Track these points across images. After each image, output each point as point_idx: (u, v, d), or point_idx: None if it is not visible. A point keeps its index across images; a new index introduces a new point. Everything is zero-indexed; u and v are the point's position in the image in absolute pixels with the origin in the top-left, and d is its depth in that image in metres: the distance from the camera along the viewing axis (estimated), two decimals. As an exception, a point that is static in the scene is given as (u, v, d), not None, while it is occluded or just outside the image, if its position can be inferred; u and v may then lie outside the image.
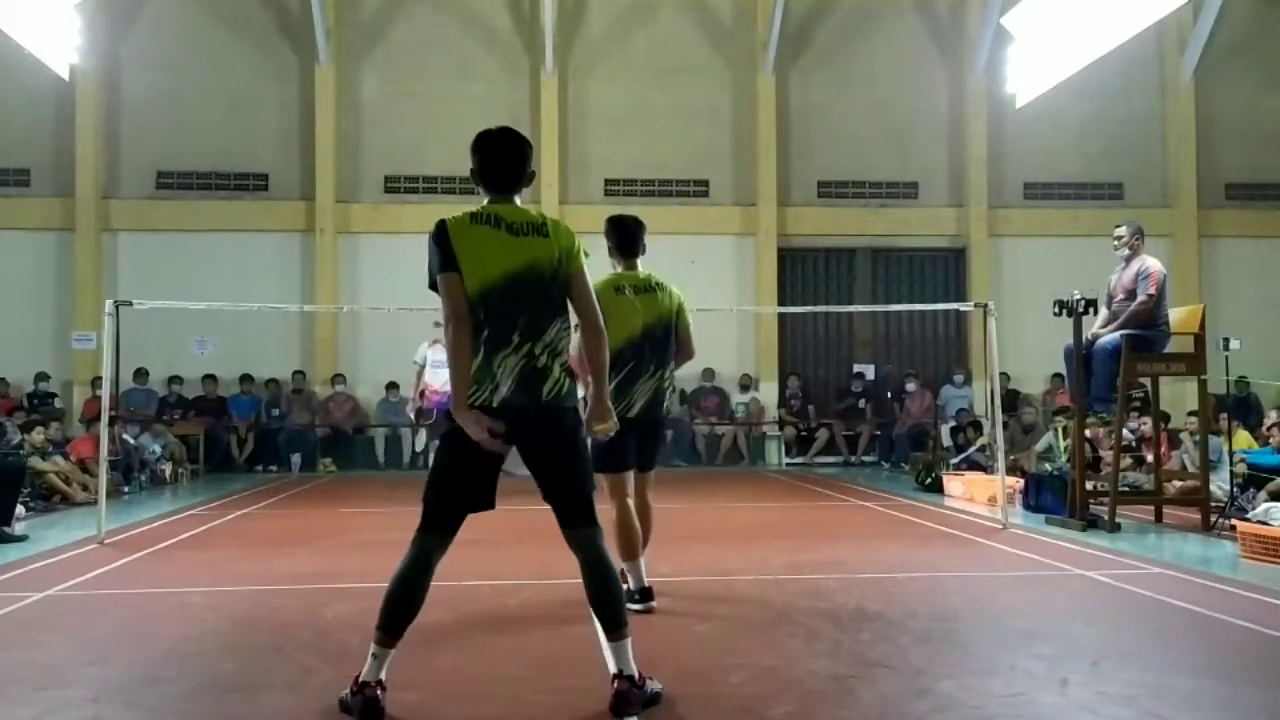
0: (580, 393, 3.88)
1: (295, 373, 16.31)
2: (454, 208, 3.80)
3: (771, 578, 6.42)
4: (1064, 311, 8.67)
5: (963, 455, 13.27)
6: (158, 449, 13.82)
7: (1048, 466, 10.84)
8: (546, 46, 16.65)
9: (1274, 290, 17.27)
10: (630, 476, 5.48)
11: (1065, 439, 10.73)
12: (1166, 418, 11.16)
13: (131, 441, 13.10)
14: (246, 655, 4.52)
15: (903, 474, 14.30)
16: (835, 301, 17.13)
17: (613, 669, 3.65)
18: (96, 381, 14.48)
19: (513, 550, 7.28)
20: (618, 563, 4.64)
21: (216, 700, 3.91)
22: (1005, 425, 12.01)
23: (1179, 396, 14.08)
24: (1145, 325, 8.51)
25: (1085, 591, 6.07)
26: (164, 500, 11.72)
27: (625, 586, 5.19)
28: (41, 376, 15.88)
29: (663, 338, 5.48)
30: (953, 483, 11.69)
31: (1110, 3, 12.60)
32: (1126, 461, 10.38)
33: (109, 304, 8.53)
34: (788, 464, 16.55)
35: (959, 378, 16.73)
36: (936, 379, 17.07)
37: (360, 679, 3.60)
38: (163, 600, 5.92)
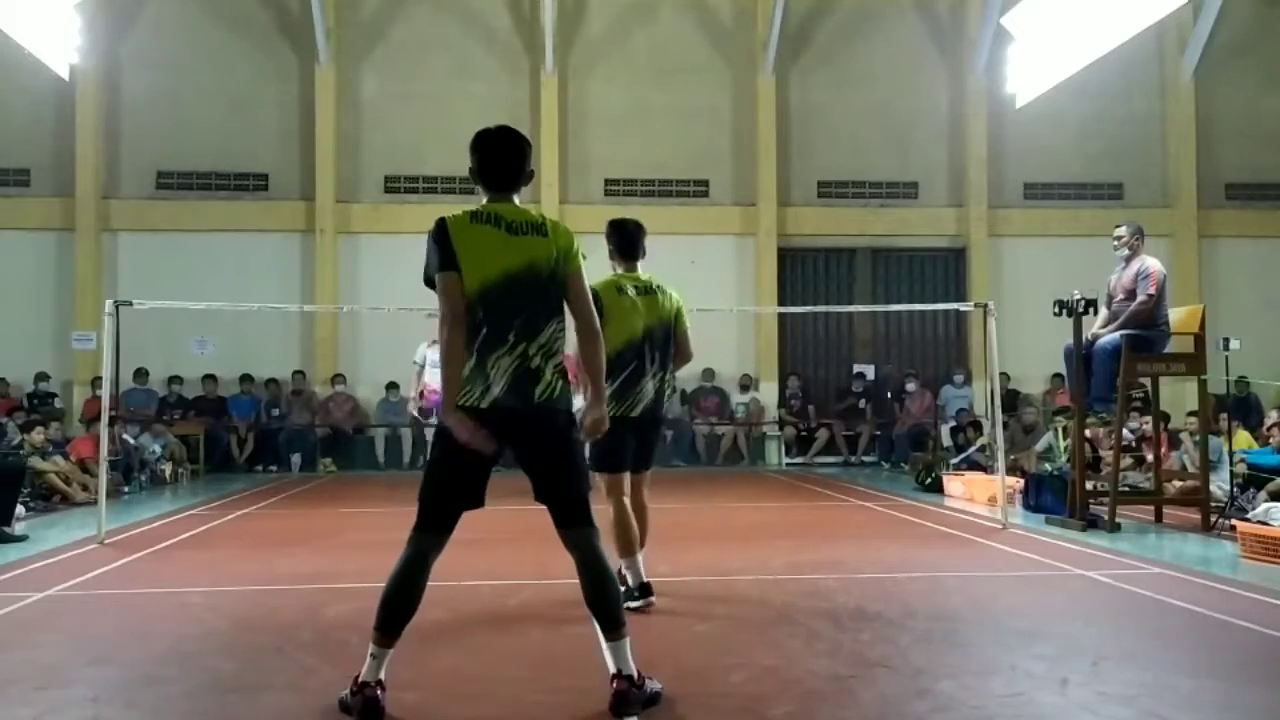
0: (578, 404, 3.88)
1: (295, 373, 16.31)
2: (454, 207, 3.80)
3: (771, 578, 6.42)
4: (1064, 311, 8.67)
5: (963, 455, 13.27)
6: (158, 449, 13.82)
7: (1048, 466, 10.84)
8: (546, 46, 16.65)
9: (1274, 290, 17.27)
10: (627, 476, 5.50)
11: (1065, 439, 10.73)
12: (1166, 418, 11.15)
13: (131, 441, 13.10)
14: (246, 655, 4.52)
15: (903, 474, 14.31)
16: (835, 301, 17.13)
17: (612, 669, 3.65)
18: (96, 381, 14.47)
19: (512, 550, 7.28)
20: (615, 561, 4.64)
21: (216, 700, 3.91)
22: (1005, 425, 12.01)
23: (1179, 396, 14.07)
24: (1145, 325, 8.51)
25: (1085, 591, 6.07)
26: (164, 500, 11.72)
27: (624, 585, 5.21)
28: (41, 376, 15.89)
29: (664, 339, 5.51)
30: (953, 483, 11.69)
31: (1110, 3, 12.60)
32: (1127, 461, 10.38)
33: (109, 304, 8.53)
34: (788, 464, 16.55)
35: (959, 378, 16.74)
36: (936, 379, 17.07)
37: (360, 679, 3.60)
38: (163, 600, 5.92)
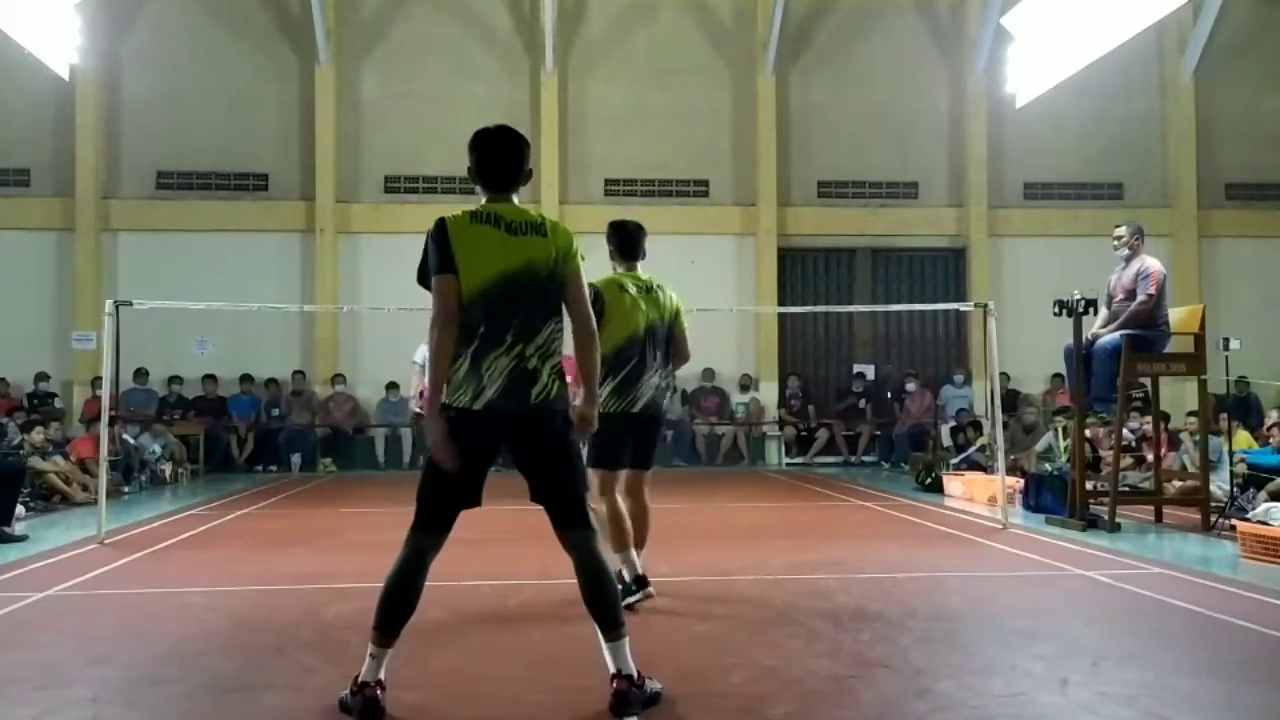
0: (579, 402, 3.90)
1: (295, 373, 16.31)
2: (454, 207, 3.80)
3: (771, 578, 6.42)
4: (1064, 311, 8.67)
5: (963, 455, 13.27)
6: (158, 449, 13.82)
7: (1048, 466, 10.83)
8: (546, 46, 16.65)
9: (1274, 290, 17.27)
10: (621, 475, 5.55)
11: (1065, 439, 10.73)
12: (1166, 418, 11.15)
13: (131, 441, 13.09)
14: (246, 655, 4.52)
15: (903, 474, 14.30)
16: (835, 301, 17.13)
17: (611, 669, 3.65)
18: (96, 381, 14.47)
19: (512, 550, 7.28)
20: (613, 560, 4.65)
21: (216, 700, 3.91)
22: (1005, 425, 12.01)
23: (1179, 396, 14.07)
24: (1145, 325, 8.51)
25: (1085, 591, 6.07)
26: (164, 500, 11.72)
27: (621, 582, 5.21)
28: (41, 376, 15.89)
29: (664, 337, 5.58)
30: (953, 483, 11.69)
31: (1110, 3, 12.60)
32: (1127, 461, 10.38)
33: (109, 304, 8.53)
34: (788, 464, 16.55)
35: (959, 378, 16.74)
36: (936, 379, 17.07)
37: (359, 679, 3.60)
38: (163, 600, 5.92)
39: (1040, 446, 11.86)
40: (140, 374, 15.59)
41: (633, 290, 5.49)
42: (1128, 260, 8.72)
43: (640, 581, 5.45)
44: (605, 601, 3.68)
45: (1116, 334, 8.53)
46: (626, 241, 5.62)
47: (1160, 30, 16.23)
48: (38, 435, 11.58)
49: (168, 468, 13.75)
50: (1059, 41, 13.78)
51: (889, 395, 16.79)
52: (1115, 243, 8.83)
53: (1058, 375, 14.97)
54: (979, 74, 17.33)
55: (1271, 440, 10.07)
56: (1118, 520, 8.45)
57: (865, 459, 16.57)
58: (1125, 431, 9.79)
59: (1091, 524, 8.39)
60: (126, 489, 12.21)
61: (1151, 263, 8.62)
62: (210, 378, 16.12)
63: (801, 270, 17.75)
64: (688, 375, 15.62)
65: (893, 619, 5.16)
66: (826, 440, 16.72)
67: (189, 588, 6.13)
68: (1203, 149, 17.59)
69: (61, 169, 16.48)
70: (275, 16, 17.09)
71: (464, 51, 17.17)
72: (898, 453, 15.89)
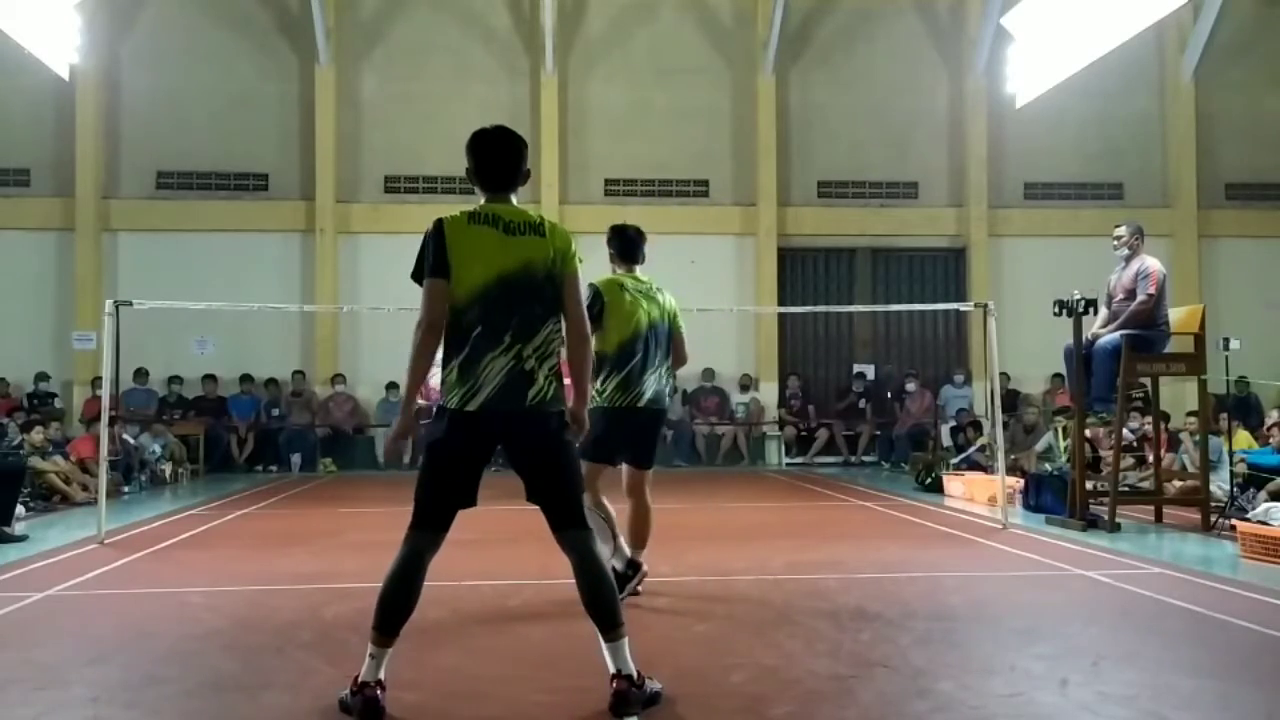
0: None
1: (295, 373, 16.31)
2: (454, 207, 3.81)
3: (771, 578, 6.42)
4: (1064, 311, 8.67)
5: (963, 455, 13.27)
6: (158, 449, 13.81)
7: (1048, 466, 10.83)
8: (546, 46, 16.65)
9: (1274, 290, 17.27)
10: (623, 474, 5.65)
11: (1065, 439, 10.73)
12: (1166, 418, 11.15)
13: (131, 441, 13.09)
14: (246, 655, 4.52)
15: (903, 474, 14.30)
16: (835, 301, 17.13)
17: (611, 669, 3.65)
18: (96, 381, 14.47)
19: (512, 550, 7.28)
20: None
21: (217, 700, 3.91)
22: (1005, 425, 12.01)
23: (1179, 396, 14.07)
24: (1145, 325, 8.51)
25: (1085, 591, 6.07)
26: (164, 500, 11.72)
27: (615, 574, 5.24)
28: (41, 376, 15.89)
29: (665, 336, 5.67)
30: (953, 483, 11.69)
31: (1110, 3, 12.59)
32: (1128, 462, 10.38)
33: (109, 304, 8.53)
34: (788, 464, 16.55)
35: (959, 378, 16.74)
36: (936, 379, 17.07)
37: (359, 679, 3.61)
38: (163, 600, 5.92)
39: (1040, 446, 11.86)
40: (140, 374, 15.59)
41: (632, 290, 5.58)
42: (1128, 260, 8.73)
43: (631, 565, 5.57)
44: (604, 602, 3.68)
45: (1116, 334, 8.53)
46: (627, 245, 5.71)
47: (1160, 30, 16.23)
48: (38, 435, 11.58)
49: (168, 468, 13.74)
50: (1059, 41, 13.77)
51: (889, 395, 16.79)
52: (1115, 243, 8.83)
53: (1058, 375, 14.97)
54: (979, 74, 17.33)
55: (1271, 440, 10.07)
56: (1118, 520, 8.45)
57: (865, 459, 16.57)
58: (1125, 431, 9.79)
59: (1091, 524, 8.39)
60: (126, 489, 12.21)
61: (1151, 263, 8.62)
62: (210, 378, 16.12)
63: (801, 270, 17.74)
64: (688, 375, 15.63)
65: (893, 619, 5.16)
66: (826, 440, 16.72)
67: (189, 588, 6.13)
68: (1203, 149, 17.59)
69: (61, 169, 16.48)
70: (275, 16, 17.09)
71: (464, 51, 17.17)
72: (898, 453, 15.89)
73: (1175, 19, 15.96)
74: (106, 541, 7.94)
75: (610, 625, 3.66)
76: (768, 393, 17.03)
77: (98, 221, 16.43)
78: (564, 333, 3.79)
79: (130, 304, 8.83)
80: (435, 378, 11.98)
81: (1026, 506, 10.00)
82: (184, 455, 14.49)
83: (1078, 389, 8.80)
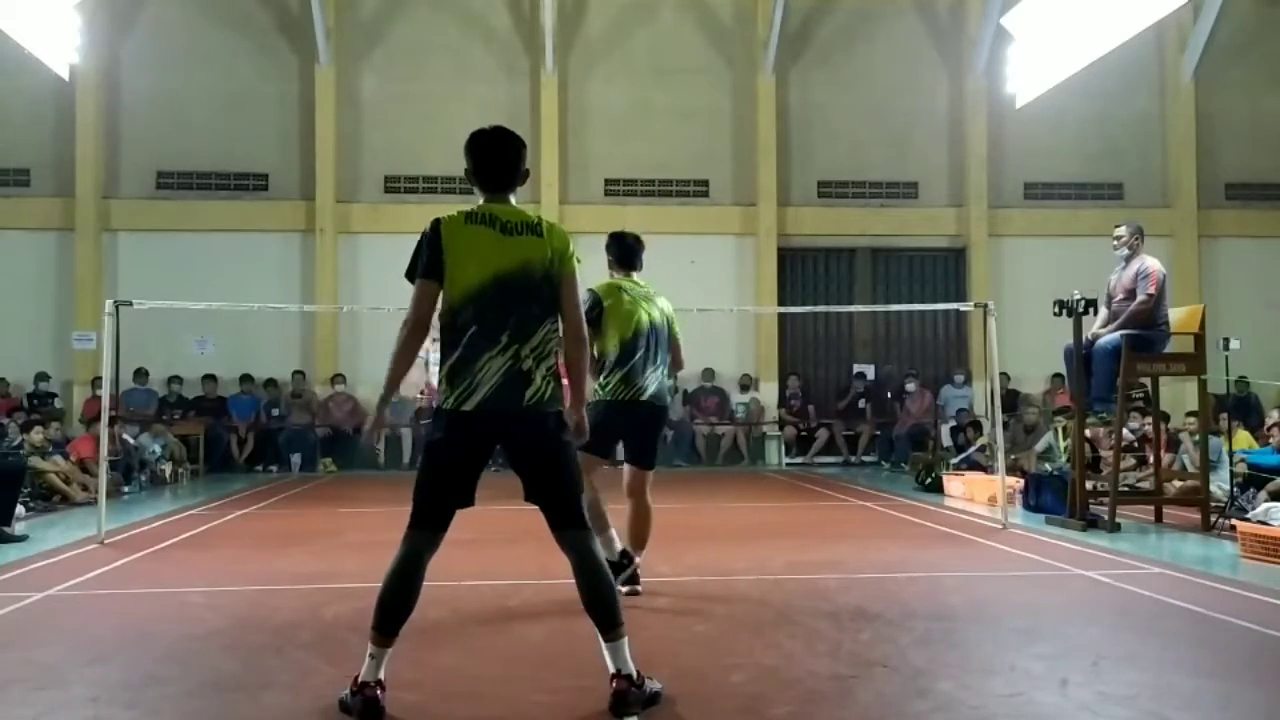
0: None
1: (295, 373, 16.30)
2: (454, 208, 3.81)
3: (771, 578, 6.42)
4: (1064, 311, 8.67)
5: (963, 455, 13.27)
6: (158, 449, 13.81)
7: (1048, 466, 10.83)
8: (546, 46, 16.65)
9: (1274, 290, 17.27)
10: (605, 469, 5.72)
11: (1065, 439, 10.73)
12: (1166, 418, 11.15)
13: (131, 441, 13.09)
14: (246, 655, 4.52)
15: (903, 474, 14.30)
16: (835, 301, 17.13)
17: (611, 669, 3.65)
18: (96, 381, 14.47)
19: (513, 550, 7.28)
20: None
21: (217, 700, 3.91)
22: (1005, 425, 12.01)
23: (1179, 396, 14.07)
24: (1145, 325, 8.51)
25: (1085, 591, 6.07)
26: (164, 500, 11.72)
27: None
28: (41, 376, 15.89)
29: (665, 337, 5.76)
30: (953, 483, 11.69)
31: (1110, 3, 12.59)
32: (1128, 461, 10.38)
33: (109, 304, 8.53)
34: (788, 464, 16.55)
35: (959, 378, 16.74)
36: (936, 379, 17.07)
37: (359, 679, 3.61)
38: (163, 600, 5.92)
39: (1040, 446, 11.86)
40: (140, 374, 15.59)
41: (631, 292, 5.67)
42: (1127, 260, 8.73)
43: (624, 556, 5.65)
44: (603, 601, 3.68)
45: (1116, 334, 8.53)
46: (626, 252, 5.82)
47: (1160, 30, 16.23)
48: (38, 435, 11.57)
49: (168, 468, 13.74)
50: (1059, 41, 13.77)
51: (889, 395, 16.80)
52: (1115, 243, 8.83)
53: (1058, 375, 14.97)
54: (979, 74, 17.33)
55: (1271, 440, 10.07)
56: (1118, 520, 8.45)
57: (865, 459, 16.57)
58: (1125, 431, 9.79)
59: (1091, 524, 8.39)
60: (126, 489, 12.20)
61: (1151, 262, 8.62)
62: (210, 378, 16.12)
63: (801, 270, 17.74)
64: (688, 375, 15.63)
65: (893, 619, 5.16)
66: (826, 440, 16.73)
67: (189, 588, 6.12)
68: (1203, 149, 17.59)
69: (61, 169, 16.48)
70: (275, 16, 17.09)
71: (464, 51, 17.17)
72: (898, 453, 15.89)
73: (1175, 19, 15.96)
74: (106, 541, 7.94)
75: (610, 625, 3.66)
76: (768, 393, 17.03)
77: (98, 221, 16.43)
78: (561, 333, 3.79)
79: (130, 304, 8.83)
80: (437, 377, 11.88)
81: (1026, 506, 10.00)
82: (184, 455, 14.49)
83: (1078, 389, 8.80)
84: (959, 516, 9.70)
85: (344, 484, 13.77)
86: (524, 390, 3.64)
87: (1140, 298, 8.47)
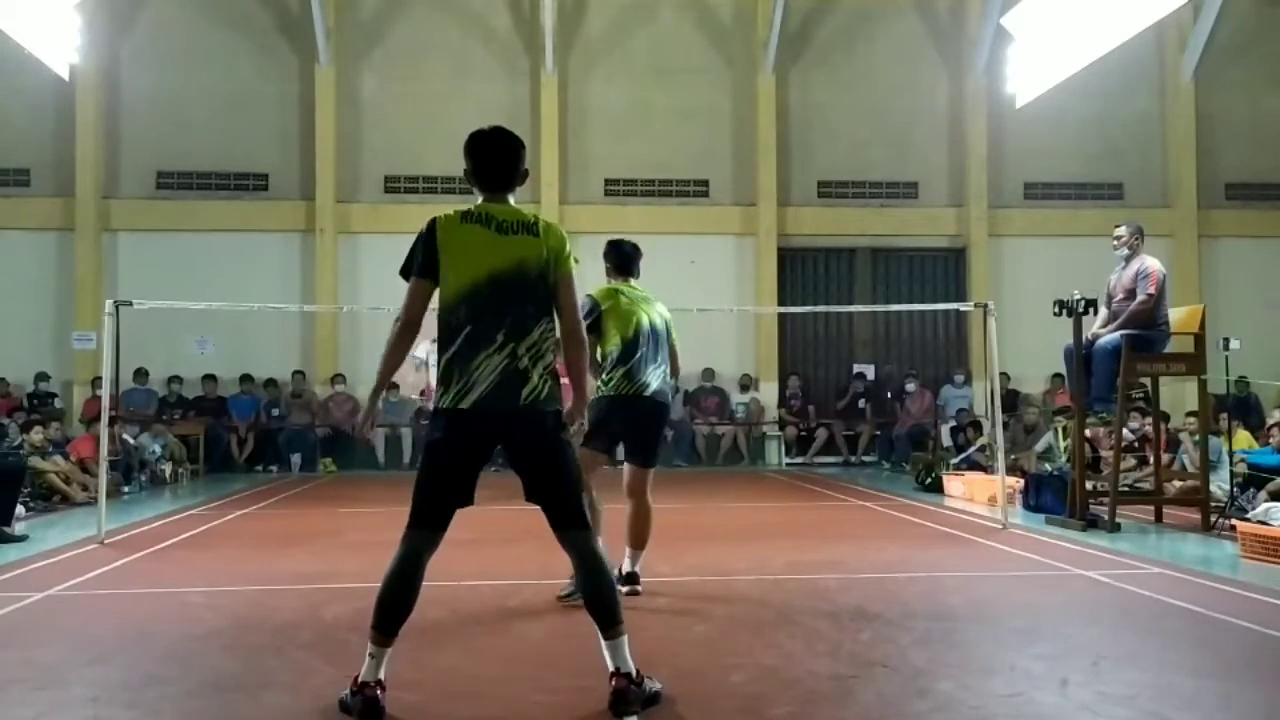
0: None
1: (295, 373, 16.30)
2: (453, 208, 3.81)
3: (771, 578, 6.42)
4: (1064, 311, 8.67)
5: (963, 455, 13.27)
6: (158, 449, 13.81)
7: (1048, 466, 10.83)
8: (546, 46, 16.65)
9: (1274, 290, 17.27)
10: (624, 473, 5.72)
11: (1065, 439, 10.73)
12: (1166, 418, 11.15)
13: (131, 441, 13.09)
14: (246, 655, 4.52)
15: (903, 474, 14.30)
16: (835, 301, 17.13)
17: (610, 668, 3.65)
18: (96, 381, 14.47)
19: (513, 550, 7.29)
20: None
21: (217, 700, 3.91)
22: (1005, 425, 12.01)
23: (1179, 396, 14.07)
24: (1145, 325, 8.51)
25: (1085, 591, 6.07)
26: (164, 500, 11.72)
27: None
28: (42, 376, 15.89)
29: (664, 339, 5.80)
30: (953, 483, 11.69)
31: (1110, 3, 12.59)
32: (1128, 461, 10.38)
33: (109, 304, 8.53)
34: (788, 464, 16.55)
35: (959, 378, 16.74)
36: (936, 379, 17.07)
37: (359, 679, 3.61)
38: (163, 600, 5.92)
39: (1040, 446, 11.86)
40: (140, 374, 15.59)
41: (629, 295, 5.75)
42: (1127, 260, 8.73)
43: (630, 578, 5.65)
44: (603, 600, 3.68)
45: (1116, 334, 8.53)
46: (623, 259, 5.89)
47: (1160, 30, 16.23)
48: (38, 435, 11.57)
49: (168, 468, 13.74)
50: (1059, 41, 13.77)
51: (889, 395, 16.80)
52: (1115, 243, 8.83)
53: (1058, 375, 14.97)
54: (979, 74, 17.33)
55: (1271, 440, 10.07)
56: (1118, 520, 8.45)
57: (865, 459, 16.57)
58: (1125, 431, 9.79)
59: (1091, 524, 8.39)
60: (126, 489, 12.20)
61: (1151, 262, 8.62)
62: (210, 378, 16.12)
63: (801, 270, 17.75)
64: (688, 375, 15.60)
65: (893, 619, 5.16)
66: (826, 440, 16.73)
67: (189, 588, 6.13)
68: (1203, 149, 17.59)
69: (61, 169, 16.48)
70: (275, 16, 17.09)
71: (464, 51, 17.17)
72: (898, 453, 15.89)
73: (1175, 19, 15.96)
74: (106, 541, 7.94)
75: (610, 623, 3.66)
76: (768, 393, 17.03)
77: (98, 221, 16.43)
78: (557, 333, 3.79)
79: (130, 304, 8.83)
80: (434, 377, 11.89)
81: (1026, 506, 10.00)
82: (184, 455, 14.49)
83: (1078, 389, 8.80)
84: (959, 516, 9.70)
85: (344, 484, 13.77)
86: (521, 389, 3.64)
87: (1140, 298, 8.47)
